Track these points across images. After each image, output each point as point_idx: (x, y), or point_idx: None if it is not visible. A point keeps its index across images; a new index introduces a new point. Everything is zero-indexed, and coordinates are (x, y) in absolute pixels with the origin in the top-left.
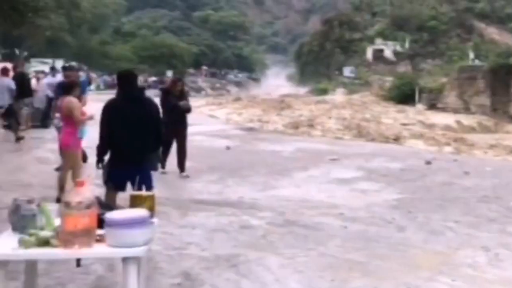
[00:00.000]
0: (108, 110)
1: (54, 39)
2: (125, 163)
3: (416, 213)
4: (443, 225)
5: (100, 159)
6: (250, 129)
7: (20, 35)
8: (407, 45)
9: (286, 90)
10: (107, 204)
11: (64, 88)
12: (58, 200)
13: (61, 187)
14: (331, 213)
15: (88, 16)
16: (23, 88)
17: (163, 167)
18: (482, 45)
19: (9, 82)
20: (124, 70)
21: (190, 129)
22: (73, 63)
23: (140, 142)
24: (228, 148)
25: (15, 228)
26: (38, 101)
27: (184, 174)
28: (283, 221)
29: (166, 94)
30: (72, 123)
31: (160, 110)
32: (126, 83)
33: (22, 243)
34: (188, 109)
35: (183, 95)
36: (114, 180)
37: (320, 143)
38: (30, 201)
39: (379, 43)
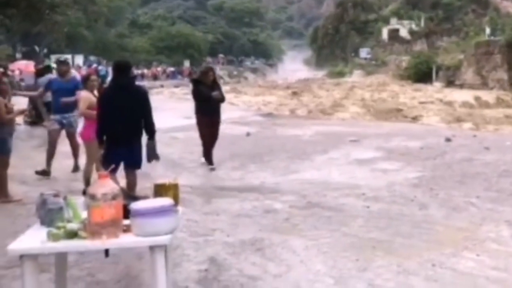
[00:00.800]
0: (102, 98)
1: (72, 35)
2: (117, 145)
3: (438, 190)
4: (465, 201)
5: (100, 142)
6: (269, 115)
7: (39, 32)
8: (422, 23)
9: (303, 74)
10: (131, 195)
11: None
12: (84, 193)
13: (87, 180)
14: (353, 193)
15: (104, 10)
16: None
17: (211, 163)
18: (498, 19)
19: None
20: (118, 60)
21: None
22: (92, 57)
23: (128, 126)
24: (248, 134)
25: (43, 222)
26: None
27: (210, 166)
28: (305, 203)
29: (197, 85)
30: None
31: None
32: (117, 73)
33: (51, 236)
34: (221, 99)
35: (215, 85)
36: (108, 161)
37: (339, 126)
38: (56, 195)
39: (394, 23)
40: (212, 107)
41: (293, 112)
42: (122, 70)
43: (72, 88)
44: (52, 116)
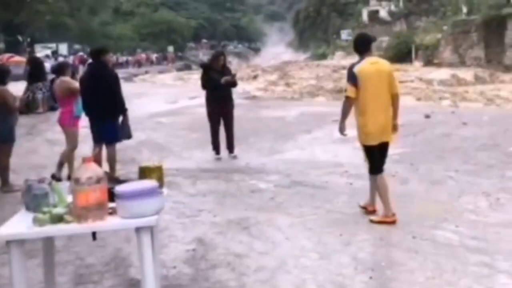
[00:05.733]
0: (80, 81)
1: (55, 24)
2: (92, 122)
3: (418, 165)
4: (444, 174)
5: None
6: (253, 98)
7: (22, 22)
8: (401, 4)
9: (287, 57)
10: (115, 178)
11: (55, 70)
12: (54, 177)
13: (61, 164)
14: (336, 171)
15: None
16: (36, 72)
17: (217, 152)
18: None
19: None
20: (92, 47)
21: (194, 102)
22: (76, 46)
23: (99, 105)
24: None
25: (29, 208)
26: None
27: (233, 155)
28: (290, 182)
29: (207, 70)
30: (67, 103)
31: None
32: (91, 58)
33: (37, 221)
34: (233, 83)
35: (225, 70)
36: (93, 137)
37: (322, 106)
38: (41, 181)
39: (374, 4)
40: (223, 93)
41: (275, 94)
42: (94, 55)
43: None
44: None
